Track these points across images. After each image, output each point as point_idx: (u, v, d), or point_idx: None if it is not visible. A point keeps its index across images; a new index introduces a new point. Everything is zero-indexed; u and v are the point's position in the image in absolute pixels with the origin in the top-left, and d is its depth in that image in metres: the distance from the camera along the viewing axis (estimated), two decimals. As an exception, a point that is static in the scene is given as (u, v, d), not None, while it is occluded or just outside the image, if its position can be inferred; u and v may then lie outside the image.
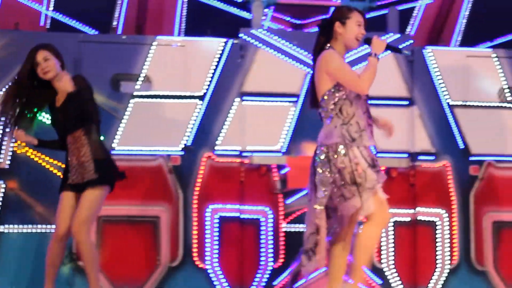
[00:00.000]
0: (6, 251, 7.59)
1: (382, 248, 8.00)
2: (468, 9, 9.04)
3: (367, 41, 5.30)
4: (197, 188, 7.87)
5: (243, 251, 7.88)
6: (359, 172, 5.12)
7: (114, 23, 8.76)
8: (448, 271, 8.09)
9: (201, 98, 7.98)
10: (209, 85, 8.00)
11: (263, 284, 7.87)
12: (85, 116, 5.88)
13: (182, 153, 7.89)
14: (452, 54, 8.51)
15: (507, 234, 8.20)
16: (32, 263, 7.52)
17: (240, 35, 8.11)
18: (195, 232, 7.83)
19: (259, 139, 7.99)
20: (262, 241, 7.91)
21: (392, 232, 8.03)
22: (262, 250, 7.90)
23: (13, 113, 5.95)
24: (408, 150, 8.14)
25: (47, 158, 7.62)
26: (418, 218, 8.09)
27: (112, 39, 8.09)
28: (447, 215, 8.12)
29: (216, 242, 7.84)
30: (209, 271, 7.80)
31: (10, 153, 7.61)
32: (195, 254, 7.81)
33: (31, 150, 7.59)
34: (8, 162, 7.61)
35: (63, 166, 6.09)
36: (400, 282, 8.00)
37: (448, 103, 8.24)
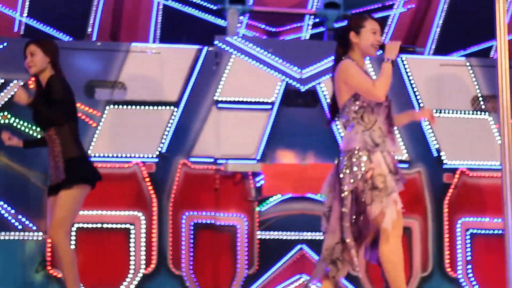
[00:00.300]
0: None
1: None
2: (442, 18, 9.10)
3: (381, 47, 5.31)
4: (172, 195, 7.85)
5: (218, 258, 7.88)
6: (380, 177, 5.15)
7: (89, 29, 8.73)
8: (419, 279, 8.13)
9: (176, 105, 7.97)
10: (184, 92, 7.99)
11: (238, 291, 7.88)
12: (45, 119, 5.87)
13: (157, 160, 7.88)
14: (426, 62, 8.57)
15: (479, 242, 8.24)
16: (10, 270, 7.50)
17: (215, 42, 8.12)
18: (170, 239, 7.81)
19: (234, 146, 8.00)
20: (237, 248, 7.90)
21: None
22: (236, 257, 7.90)
23: None
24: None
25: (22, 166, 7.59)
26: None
27: (86, 46, 8.07)
28: (418, 223, 8.16)
29: (191, 249, 7.83)
30: (184, 278, 7.79)
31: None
32: (170, 261, 7.79)
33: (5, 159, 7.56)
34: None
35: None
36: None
37: (422, 111, 8.29)
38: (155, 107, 7.95)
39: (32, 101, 5.84)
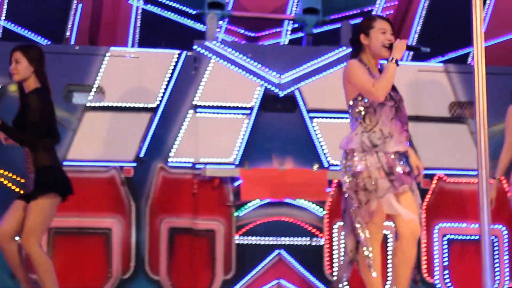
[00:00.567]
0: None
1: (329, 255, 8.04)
2: (420, 24, 9.14)
3: (390, 47, 5.32)
4: (150, 200, 7.84)
5: (195, 263, 7.87)
6: (370, 180, 5.18)
7: (67, 33, 8.70)
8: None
9: (155, 109, 7.96)
10: (162, 97, 7.98)
11: (215, 296, 7.87)
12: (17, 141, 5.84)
13: (135, 164, 7.86)
14: (404, 68, 8.56)
15: (456, 247, 8.28)
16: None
17: (194, 47, 8.12)
18: (147, 244, 7.79)
19: (212, 151, 7.99)
20: (214, 253, 7.90)
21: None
22: (214, 262, 7.89)
23: None
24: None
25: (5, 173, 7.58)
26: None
27: (65, 50, 8.05)
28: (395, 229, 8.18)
29: (169, 254, 7.81)
30: (161, 283, 7.77)
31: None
32: (147, 266, 7.78)
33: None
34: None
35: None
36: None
37: (399, 117, 8.31)
38: (134, 112, 7.94)
39: (1, 125, 5.80)
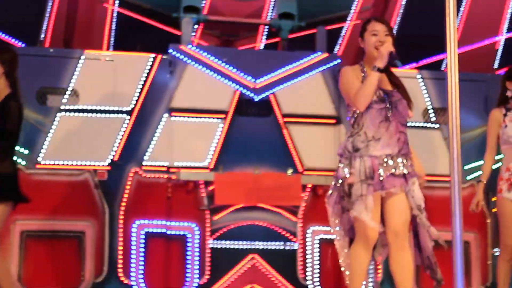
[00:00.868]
0: None
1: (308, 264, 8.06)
2: (394, 30, 9.18)
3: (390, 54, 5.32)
4: (124, 204, 7.82)
5: (169, 267, 7.85)
6: (354, 185, 5.20)
7: (42, 36, 8.68)
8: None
9: (129, 113, 7.95)
10: (137, 100, 7.97)
11: (189, 300, 7.86)
12: None
13: (109, 168, 7.84)
14: (379, 74, 8.62)
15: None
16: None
17: (169, 51, 8.11)
18: (120, 247, 7.77)
19: (187, 155, 7.99)
20: (188, 257, 7.89)
21: (318, 249, 8.08)
22: (188, 266, 7.88)
23: None
24: (336, 168, 8.20)
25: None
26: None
27: (39, 52, 8.01)
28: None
29: (142, 258, 7.79)
30: (134, 287, 7.75)
31: None
32: (120, 270, 7.75)
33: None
34: None
35: None
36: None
37: (374, 122, 8.34)
38: (108, 115, 7.91)
39: None
